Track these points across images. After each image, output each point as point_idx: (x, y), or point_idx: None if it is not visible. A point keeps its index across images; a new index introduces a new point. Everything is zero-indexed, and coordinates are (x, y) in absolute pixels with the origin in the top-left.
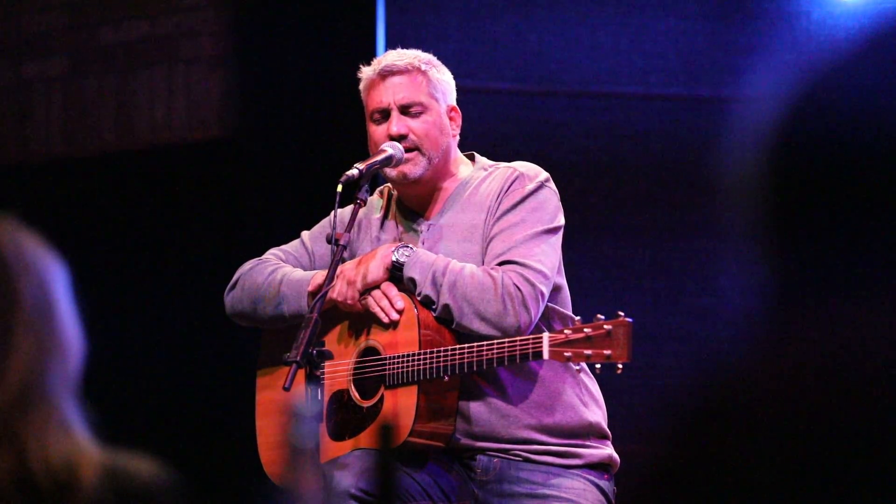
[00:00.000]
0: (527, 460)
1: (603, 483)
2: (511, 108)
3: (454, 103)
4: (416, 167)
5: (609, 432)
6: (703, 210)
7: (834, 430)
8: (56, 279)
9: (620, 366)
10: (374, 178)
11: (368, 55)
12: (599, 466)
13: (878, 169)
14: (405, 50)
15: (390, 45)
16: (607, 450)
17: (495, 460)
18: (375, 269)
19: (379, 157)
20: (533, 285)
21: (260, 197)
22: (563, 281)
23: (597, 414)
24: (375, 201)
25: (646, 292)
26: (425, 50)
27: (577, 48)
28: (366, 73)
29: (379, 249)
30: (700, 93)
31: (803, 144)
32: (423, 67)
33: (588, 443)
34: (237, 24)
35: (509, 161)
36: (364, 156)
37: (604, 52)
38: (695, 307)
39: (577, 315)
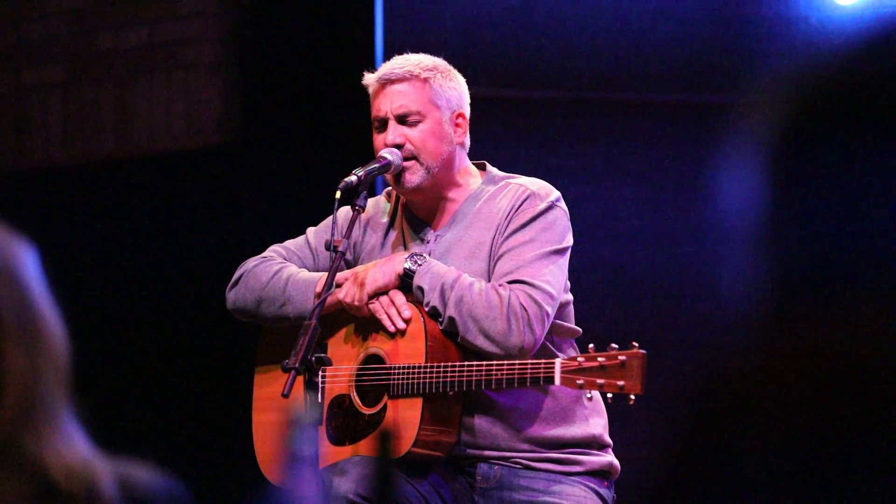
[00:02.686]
0: (527, 468)
1: (603, 490)
2: (510, 113)
3: (463, 110)
4: (413, 176)
5: (610, 441)
6: (703, 215)
7: (833, 433)
8: (28, 273)
9: (633, 397)
10: (372, 184)
11: (368, 62)
12: (600, 473)
13: (877, 173)
14: (411, 55)
15: (389, 51)
16: (608, 457)
17: (496, 468)
18: (387, 274)
19: (377, 164)
20: (539, 306)
21: (259, 204)
22: (569, 296)
23: (599, 425)
24: (383, 204)
25: (644, 297)
26: None
27: (576, 54)
28: (368, 79)
29: (394, 255)
30: (699, 98)
31: (803, 148)
32: (424, 75)
33: (589, 451)
34: (236, 30)
35: (519, 172)
36: (362, 161)
37: (602, 58)
38: (694, 312)
39: (580, 327)
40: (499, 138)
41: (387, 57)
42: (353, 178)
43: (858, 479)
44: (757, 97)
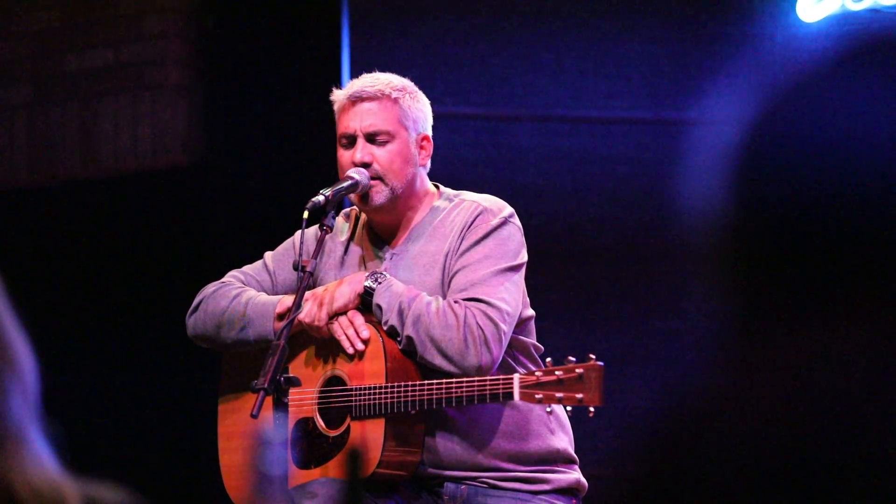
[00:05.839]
0: (494, 487)
1: None
2: (476, 132)
3: (428, 132)
4: (378, 195)
5: (576, 457)
6: (668, 233)
7: (801, 452)
8: None
9: (592, 409)
10: (339, 204)
11: (334, 81)
12: (567, 491)
13: (842, 190)
14: (381, 74)
15: (355, 70)
16: (575, 474)
17: (462, 487)
18: (346, 294)
19: (345, 184)
20: (496, 325)
21: (225, 224)
22: (528, 312)
23: (563, 440)
24: (341, 224)
25: (611, 315)
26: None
27: (542, 72)
28: (337, 95)
29: (354, 275)
30: (664, 116)
31: (767, 166)
32: (395, 95)
33: (556, 468)
34: (202, 51)
35: (474, 190)
36: (329, 182)
37: (568, 76)
38: (660, 330)
39: (542, 344)
40: (465, 157)
41: (354, 77)
42: (320, 197)
43: (827, 497)
44: (722, 115)
